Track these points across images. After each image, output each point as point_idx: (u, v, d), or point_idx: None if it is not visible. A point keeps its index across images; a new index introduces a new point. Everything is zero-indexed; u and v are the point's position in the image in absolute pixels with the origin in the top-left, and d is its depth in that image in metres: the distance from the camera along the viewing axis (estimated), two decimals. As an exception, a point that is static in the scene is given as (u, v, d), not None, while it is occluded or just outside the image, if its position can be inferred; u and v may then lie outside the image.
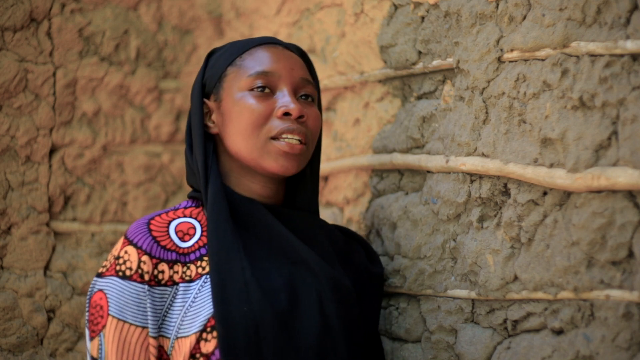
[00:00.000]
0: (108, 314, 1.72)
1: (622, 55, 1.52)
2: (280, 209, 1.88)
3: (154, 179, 2.74)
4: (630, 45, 1.51)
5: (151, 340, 1.72)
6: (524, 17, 1.73)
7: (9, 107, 2.44)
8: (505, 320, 1.75)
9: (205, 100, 1.89)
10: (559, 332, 1.63)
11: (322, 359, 1.73)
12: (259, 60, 1.85)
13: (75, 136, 2.58)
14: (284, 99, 1.82)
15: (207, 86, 1.90)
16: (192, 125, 1.87)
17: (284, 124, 1.81)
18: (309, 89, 1.88)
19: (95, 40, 2.64)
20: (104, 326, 1.72)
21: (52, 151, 2.54)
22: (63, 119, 2.55)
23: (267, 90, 1.83)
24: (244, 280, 1.71)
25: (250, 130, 1.81)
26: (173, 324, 1.73)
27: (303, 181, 1.92)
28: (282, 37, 2.50)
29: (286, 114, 1.81)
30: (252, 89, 1.82)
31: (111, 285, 1.74)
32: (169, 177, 2.77)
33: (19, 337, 2.40)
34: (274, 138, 1.81)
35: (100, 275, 1.76)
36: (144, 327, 1.72)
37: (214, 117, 1.88)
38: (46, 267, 2.49)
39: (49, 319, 2.47)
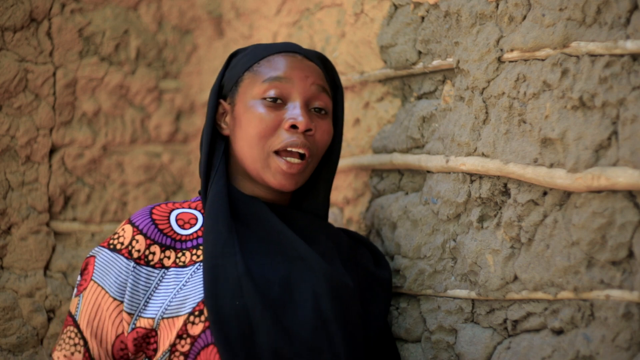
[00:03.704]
0: (91, 279, 1.81)
1: (622, 55, 1.52)
2: (283, 209, 1.90)
3: (154, 179, 2.74)
4: (630, 45, 1.51)
5: (125, 316, 1.78)
6: (524, 17, 1.73)
7: (9, 107, 2.44)
8: (505, 320, 1.75)
9: (222, 101, 1.93)
10: (559, 332, 1.63)
11: (317, 354, 1.73)
12: (275, 67, 1.87)
13: (75, 136, 2.58)
14: (294, 111, 1.84)
15: (225, 87, 1.93)
16: (205, 122, 1.92)
17: (290, 137, 1.82)
18: (322, 99, 1.88)
19: (95, 40, 2.63)
20: (85, 288, 1.81)
21: (52, 151, 2.54)
22: (63, 119, 2.55)
23: (279, 101, 1.85)
24: (237, 274, 1.74)
25: (256, 140, 1.83)
26: (158, 306, 1.76)
27: (316, 187, 1.94)
28: (282, 37, 2.50)
29: (293, 126, 1.82)
30: (264, 98, 1.85)
31: (100, 254, 1.82)
32: (169, 177, 2.77)
33: (19, 337, 2.40)
34: (277, 152, 1.83)
35: (99, 245, 1.85)
36: (115, 299, 1.78)
37: (227, 118, 1.92)
38: (46, 267, 2.49)
39: (49, 319, 2.47)
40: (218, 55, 2.79)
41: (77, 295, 1.82)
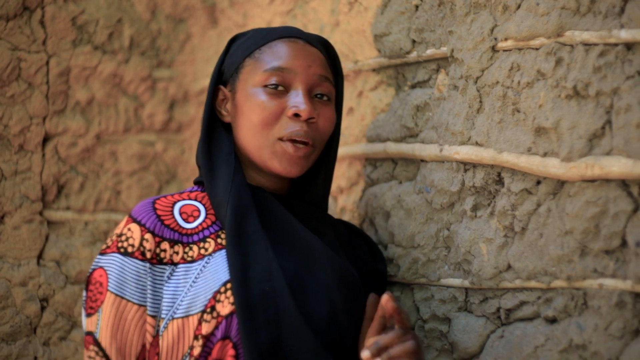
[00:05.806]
0: (107, 290, 1.72)
1: (616, 45, 1.52)
2: (286, 199, 1.88)
3: (147, 168, 2.74)
4: (625, 35, 1.51)
5: (149, 319, 1.72)
6: (518, 6, 1.73)
7: (2, 96, 2.43)
8: (498, 309, 1.75)
9: (222, 87, 1.90)
10: (552, 320, 1.63)
11: (332, 344, 1.72)
12: (276, 55, 1.83)
13: (68, 125, 2.57)
14: (296, 99, 1.81)
15: (225, 74, 1.90)
16: (204, 108, 1.88)
17: (294, 126, 1.80)
18: (325, 87, 1.85)
19: (89, 28, 2.63)
20: (102, 302, 1.72)
21: (46, 140, 2.53)
22: (56, 108, 2.55)
23: (280, 88, 1.81)
24: (267, 259, 1.71)
25: (260, 128, 1.80)
26: (169, 304, 1.72)
27: (316, 178, 1.92)
28: (276, 25, 2.49)
29: (296, 114, 1.80)
30: (265, 86, 1.81)
31: (112, 262, 1.74)
32: (163, 166, 2.77)
33: (12, 326, 2.40)
34: (281, 139, 1.80)
35: (102, 253, 1.76)
36: (141, 305, 1.71)
37: (228, 105, 1.88)
38: (39, 256, 2.49)
39: (42, 308, 2.47)
40: (212, 44, 2.79)
41: (92, 313, 1.72)
